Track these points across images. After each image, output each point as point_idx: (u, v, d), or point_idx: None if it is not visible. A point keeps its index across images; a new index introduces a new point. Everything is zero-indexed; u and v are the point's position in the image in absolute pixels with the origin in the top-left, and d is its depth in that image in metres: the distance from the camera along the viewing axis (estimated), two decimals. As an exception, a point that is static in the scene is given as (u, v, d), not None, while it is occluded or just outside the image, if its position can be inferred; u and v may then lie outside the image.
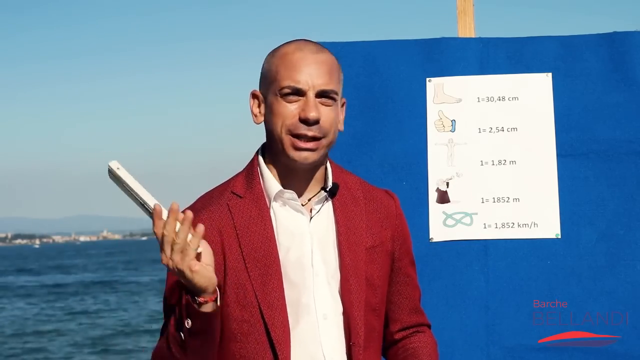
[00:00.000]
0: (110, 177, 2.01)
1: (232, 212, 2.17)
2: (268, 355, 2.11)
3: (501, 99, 3.28)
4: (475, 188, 3.23)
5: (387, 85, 3.32)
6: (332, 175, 2.23)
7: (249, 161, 2.25)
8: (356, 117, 3.25)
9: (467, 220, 3.22)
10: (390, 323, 2.33)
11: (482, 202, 3.22)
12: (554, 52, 3.29)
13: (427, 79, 3.31)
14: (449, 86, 3.30)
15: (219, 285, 2.06)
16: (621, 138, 3.20)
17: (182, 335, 2.03)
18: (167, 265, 1.99)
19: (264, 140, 2.23)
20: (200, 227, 1.98)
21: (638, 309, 3.12)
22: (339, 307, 2.17)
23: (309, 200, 2.19)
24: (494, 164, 3.25)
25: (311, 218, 2.18)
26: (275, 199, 2.18)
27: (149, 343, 22.48)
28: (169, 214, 1.97)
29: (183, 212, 1.99)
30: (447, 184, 3.25)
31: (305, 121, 2.11)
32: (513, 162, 3.24)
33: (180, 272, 1.97)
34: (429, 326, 2.40)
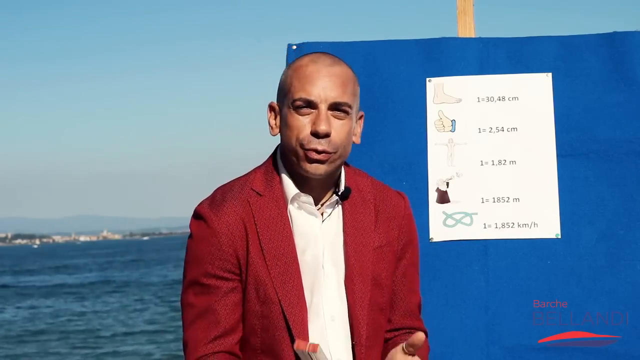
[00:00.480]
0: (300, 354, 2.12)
1: (253, 209, 2.19)
2: (288, 348, 2.15)
3: (501, 99, 3.28)
4: (475, 188, 3.23)
5: (387, 85, 3.32)
6: (345, 178, 2.25)
7: (265, 160, 2.28)
8: (356, 117, 3.25)
9: (467, 220, 3.22)
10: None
11: (482, 202, 3.22)
12: (554, 52, 3.29)
13: (427, 79, 3.31)
14: (449, 86, 3.30)
15: (241, 280, 2.13)
16: (621, 138, 3.20)
17: None
18: None
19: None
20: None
21: (638, 309, 3.12)
22: (345, 308, 2.20)
23: (322, 204, 2.23)
24: (494, 164, 3.25)
25: (323, 221, 2.22)
26: (291, 202, 2.21)
27: (149, 344, 22.48)
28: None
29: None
30: (447, 184, 3.25)
31: (315, 134, 2.13)
32: (513, 162, 3.24)
33: None
34: (425, 333, 2.34)
